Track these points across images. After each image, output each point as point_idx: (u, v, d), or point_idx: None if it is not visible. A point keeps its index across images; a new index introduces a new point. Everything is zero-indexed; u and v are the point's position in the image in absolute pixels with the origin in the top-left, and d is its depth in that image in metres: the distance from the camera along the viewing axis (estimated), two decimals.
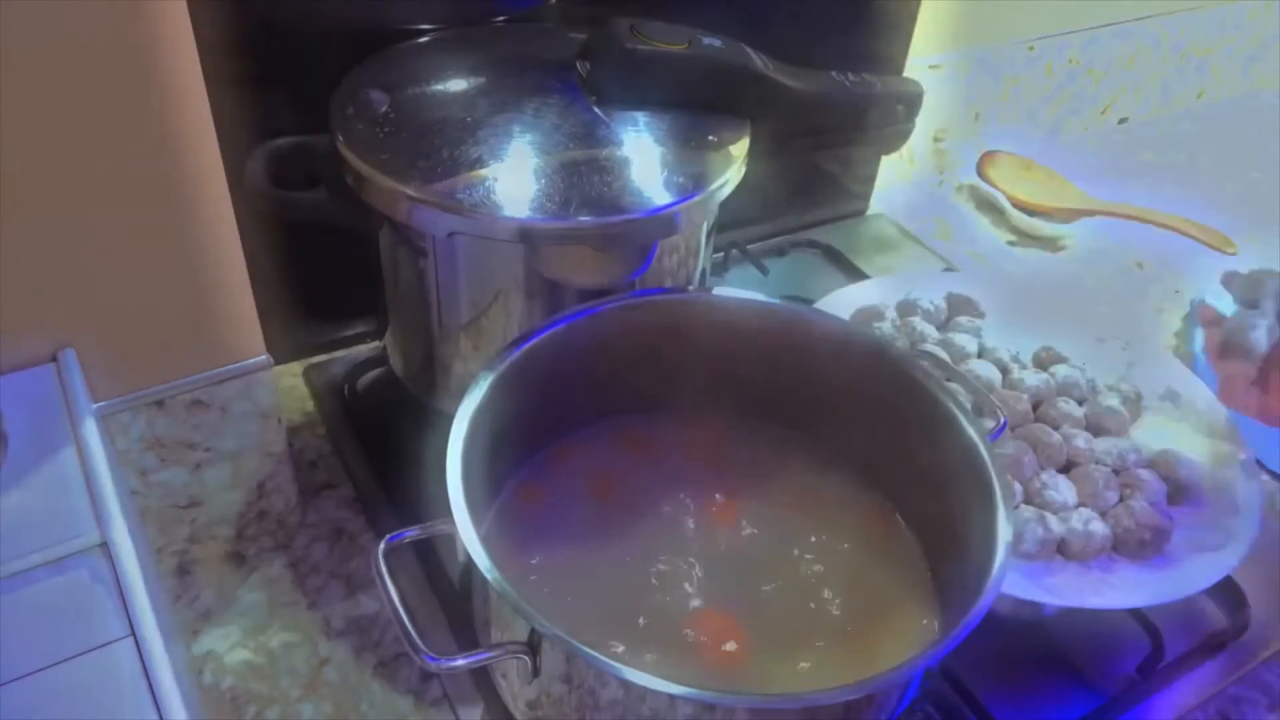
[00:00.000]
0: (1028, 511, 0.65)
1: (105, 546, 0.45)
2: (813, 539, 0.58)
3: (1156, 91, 1.27)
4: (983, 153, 1.11)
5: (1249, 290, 0.89)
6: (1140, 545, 0.65)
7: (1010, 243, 1.05)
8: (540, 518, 0.58)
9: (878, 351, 0.59)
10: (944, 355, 0.73)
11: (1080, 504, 0.67)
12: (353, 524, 0.69)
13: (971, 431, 0.54)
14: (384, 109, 0.61)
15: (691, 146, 0.62)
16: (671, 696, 0.42)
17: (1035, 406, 0.74)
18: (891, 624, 0.54)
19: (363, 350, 0.81)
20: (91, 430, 0.50)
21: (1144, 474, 0.69)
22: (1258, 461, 0.70)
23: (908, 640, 0.53)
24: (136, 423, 0.57)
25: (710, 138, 0.63)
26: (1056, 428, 0.72)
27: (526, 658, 0.45)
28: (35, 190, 0.48)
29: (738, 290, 0.62)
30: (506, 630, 0.47)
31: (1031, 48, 1.09)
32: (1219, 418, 0.73)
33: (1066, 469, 0.70)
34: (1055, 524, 0.65)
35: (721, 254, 0.92)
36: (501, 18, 0.72)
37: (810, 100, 0.68)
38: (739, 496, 0.60)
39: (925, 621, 0.55)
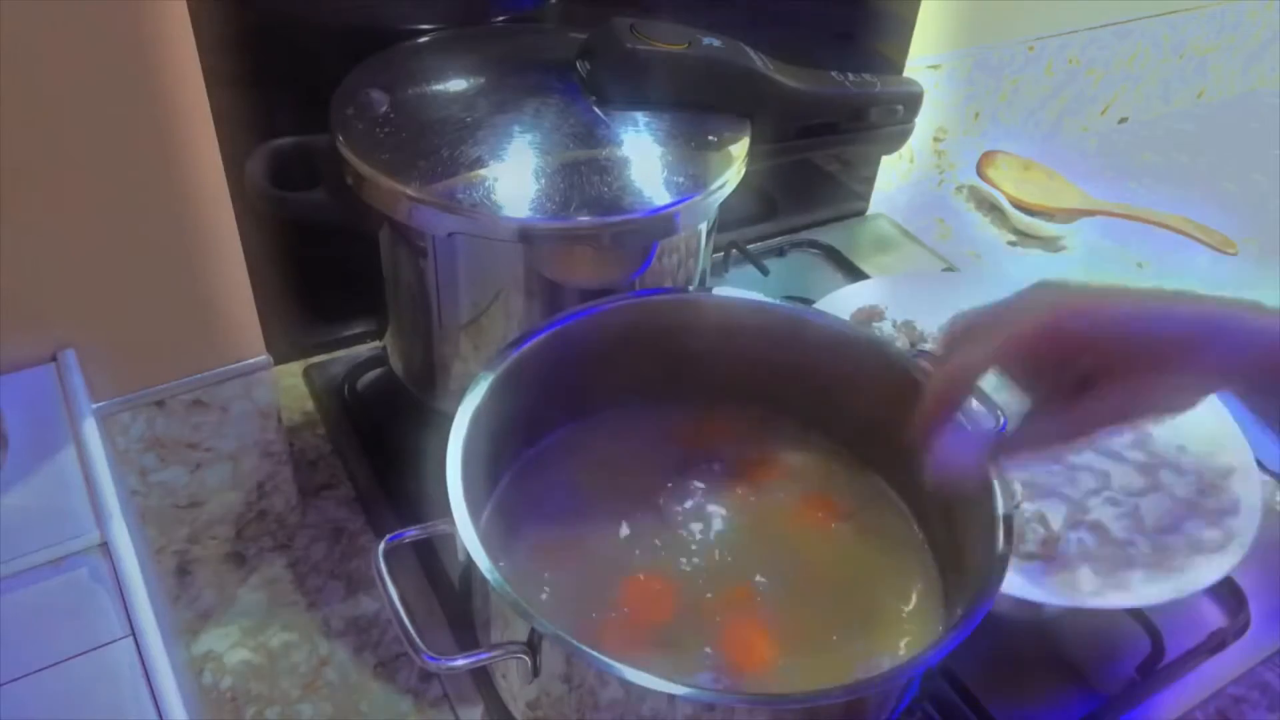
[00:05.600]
0: (1028, 511, 0.65)
1: (105, 546, 0.45)
2: (817, 537, 0.58)
3: (1156, 91, 1.27)
4: (983, 153, 1.11)
5: None
6: (1140, 545, 0.65)
7: (1010, 243, 1.05)
8: (538, 511, 0.58)
9: (878, 351, 0.59)
10: None
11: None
12: (353, 524, 0.69)
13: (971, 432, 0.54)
14: (384, 109, 0.61)
15: (691, 146, 0.62)
16: (671, 696, 0.42)
17: None
18: (897, 621, 0.54)
19: (363, 350, 0.81)
20: (91, 430, 0.50)
21: (1144, 474, 0.69)
22: (1258, 461, 0.70)
23: (913, 638, 0.54)
24: (136, 423, 0.57)
25: (710, 138, 0.63)
26: None
27: (526, 658, 0.45)
28: (35, 190, 0.48)
29: (738, 290, 0.62)
30: (506, 630, 0.47)
31: (1031, 48, 1.09)
32: (1220, 417, 0.73)
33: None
34: (1056, 524, 0.65)
35: (721, 254, 0.92)
36: (501, 18, 0.72)
37: (810, 100, 0.68)
38: (740, 492, 0.60)
39: (932, 620, 0.55)
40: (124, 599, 0.44)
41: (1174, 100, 1.30)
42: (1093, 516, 0.66)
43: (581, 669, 0.44)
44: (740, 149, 0.63)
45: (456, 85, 0.65)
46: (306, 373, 0.80)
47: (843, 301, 0.81)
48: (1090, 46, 1.14)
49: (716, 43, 0.64)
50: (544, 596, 0.53)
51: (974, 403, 0.57)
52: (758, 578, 0.55)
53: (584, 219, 0.57)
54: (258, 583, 0.65)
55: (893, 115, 0.73)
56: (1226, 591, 0.67)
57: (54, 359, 0.53)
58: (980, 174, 1.09)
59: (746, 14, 0.71)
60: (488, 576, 0.44)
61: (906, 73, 0.94)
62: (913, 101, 0.73)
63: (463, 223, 0.57)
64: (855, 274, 0.95)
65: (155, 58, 0.47)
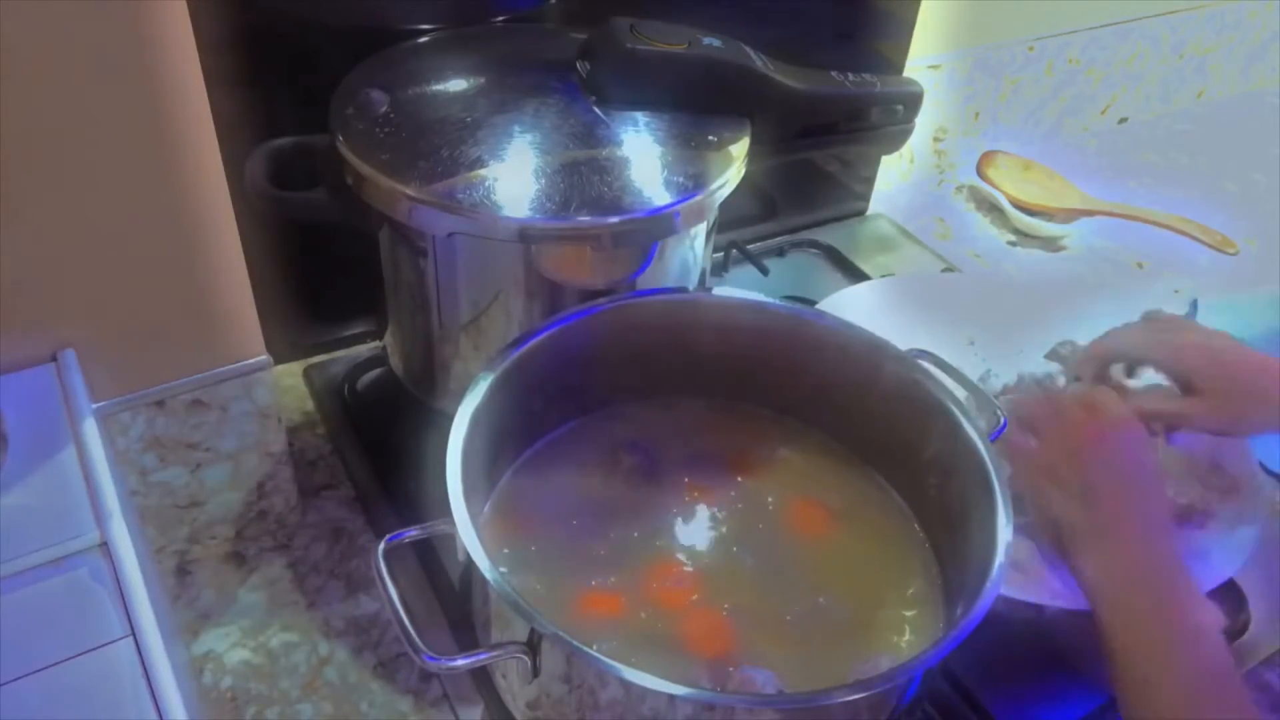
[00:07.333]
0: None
1: (105, 546, 0.45)
2: (817, 536, 0.58)
3: (1156, 91, 1.27)
4: (983, 153, 1.11)
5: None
6: None
7: (1010, 243, 1.05)
8: (538, 510, 0.58)
9: (877, 351, 0.59)
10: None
11: None
12: (353, 524, 0.69)
13: (971, 431, 0.54)
14: (384, 109, 0.61)
15: (691, 146, 0.62)
16: (671, 696, 0.42)
17: None
18: (897, 621, 0.54)
19: (363, 350, 0.81)
20: (91, 430, 0.50)
21: None
22: (1260, 463, 0.70)
23: (913, 638, 0.53)
24: (136, 423, 0.57)
25: (710, 138, 0.63)
26: None
27: (526, 658, 0.45)
28: (36, 191, 0.48)
29: (738, 290, 0.62)
30: (506, 630, 0.47)
31: (1031, 48, 1.09)
32: None
33: None
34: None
35: (721, 254, 0.92)
36: (501, 18, 0.72)
37: (810, 100, 0.68)
38: (740, 491, 0.60)
39: (932, 619, 0.54)
40: (124, 599, 0.44)
41: (1174, 100, 1.30)
42: None
43: (581, 669, 0.44)
44: (740, 149, 0.63)
45: (456, 85, 0.65)
46: (306, 373, 0.79)
47: (843, 301, 0.81)
48: (1090, 46, 1.14)
49: (716, 43, 0.64)
50: (543, 595, 0.53)
51: (975, 401, 0.57)
52: (758, 576, 0.55)
53: (584, 219, 0.57)
54: (258, 583, 0.65)
55: (893, 115, 0.73)
56: (1226, 591, 0.67)
57: (54, 359, 0.53)
58: (980, 174, 1.09)
59: (746, 14, 0.71)
60: (488, 576, 0.44)
61: (906, 73, 0.94)
62: (913, 101, 0.73)
63: (463, 223, 0.57)
64: (855, 274, 0.95)
65: (155, 58, 0.47)
